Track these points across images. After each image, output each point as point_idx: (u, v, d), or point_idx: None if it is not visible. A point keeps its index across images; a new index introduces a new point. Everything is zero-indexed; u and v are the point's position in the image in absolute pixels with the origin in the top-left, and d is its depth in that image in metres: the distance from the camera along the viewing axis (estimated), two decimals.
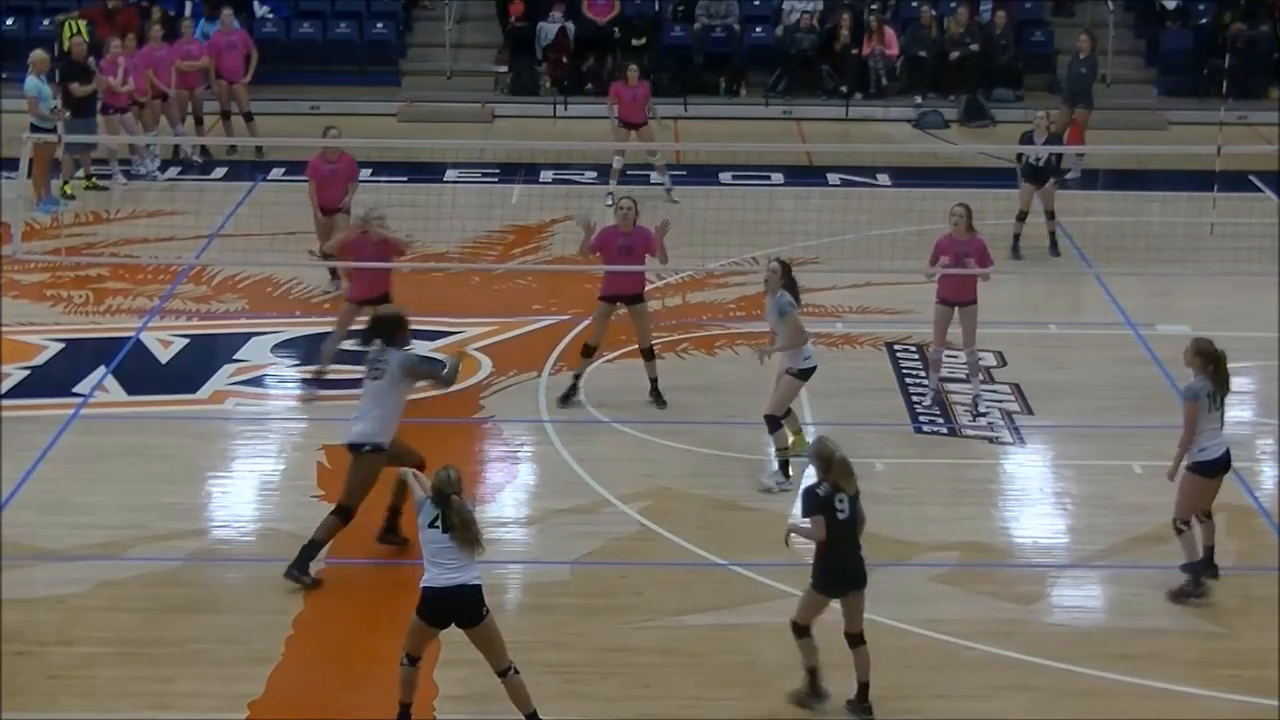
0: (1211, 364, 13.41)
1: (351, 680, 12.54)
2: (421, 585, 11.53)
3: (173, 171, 25.75)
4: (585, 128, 27.76)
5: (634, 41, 30.30)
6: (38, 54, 23.70)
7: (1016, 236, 21.83)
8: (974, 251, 17.27)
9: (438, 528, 11.45)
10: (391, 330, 14.06)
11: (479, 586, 11.48)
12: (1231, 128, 25.30)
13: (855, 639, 11.98)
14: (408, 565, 14.13)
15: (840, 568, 11.96)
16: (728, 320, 19.52)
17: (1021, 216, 21.82)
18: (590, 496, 15.22)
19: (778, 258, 15.89)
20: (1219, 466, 13.45)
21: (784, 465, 15.54)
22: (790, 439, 15.66)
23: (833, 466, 11.96)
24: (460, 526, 11.36)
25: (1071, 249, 22.22)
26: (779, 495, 15.49)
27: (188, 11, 29.20)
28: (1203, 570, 13.63)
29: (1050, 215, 21.89)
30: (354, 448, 13.88)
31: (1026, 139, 21.88)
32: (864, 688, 12.01)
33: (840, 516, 11.96)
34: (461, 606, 11.47)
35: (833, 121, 29.11)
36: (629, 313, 17.12)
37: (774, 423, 15.56)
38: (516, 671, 11.63)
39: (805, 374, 15.60)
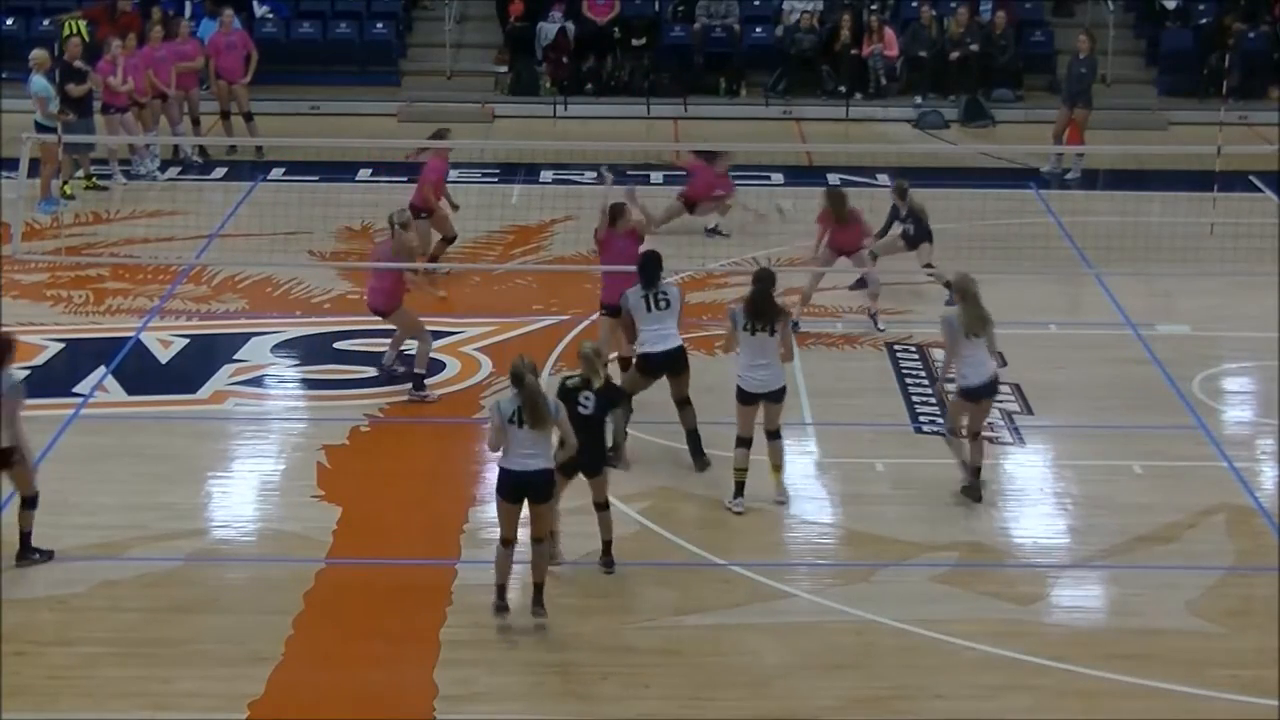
0: (963, 298, 15.07)
1: (351, 681, 12.54)
2: (500, 466, 12.96)
3: (172, 171, 25.75)
4: (585, 128, 27.79)
5: (634, 42, 30.32)
6: (39, 53, 23.66)
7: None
8: None
9: (514, 422, 12.76)
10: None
11: (550, 469, 12.95)
12: (1231, 128, 25.28)
13: (599, 507, 13.88)
14: (407, 565, 14.15)
15: (578, 453, 13.31)
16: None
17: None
18: (590, 497, 15.18)
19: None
20: (978, 392, 14.98)
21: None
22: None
23: (581, 361, 13.64)
24: (529, 406, 12.70)
25: (1072, 249, 22.22)
26: (779, 495, 15.49)
27: (187, 13, 29.23)
28: (973, 482, 15.16)
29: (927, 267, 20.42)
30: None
31: (893, 211, 20.69)
32: (607, 545, 13.91)
33: (583, 411, 13.44)
34: (532, 487, 12.90)
35: (833, 121, 29.11)
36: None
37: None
38: (553, 550, 13.37)
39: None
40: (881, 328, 19.24)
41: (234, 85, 26.76)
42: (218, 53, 26.74)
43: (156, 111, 25.73)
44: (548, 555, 13.21)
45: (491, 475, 15.74)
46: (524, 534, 13.12)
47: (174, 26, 26.82)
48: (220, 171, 25.75)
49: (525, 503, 12.99)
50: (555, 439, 13.03)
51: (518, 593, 13.34)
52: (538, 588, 13.07)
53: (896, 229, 20.66)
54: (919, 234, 20.49)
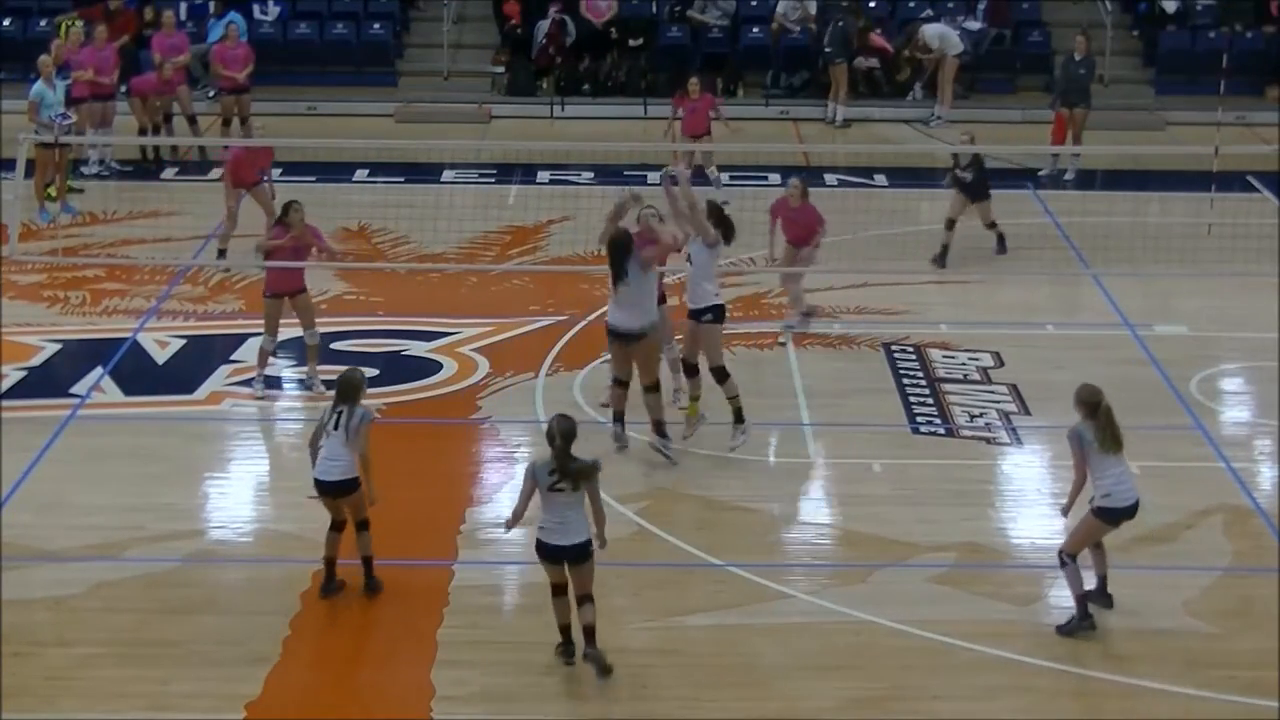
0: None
1: (349, 682, 12.54)
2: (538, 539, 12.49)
3: (170, 172, 25.81)
4: (582, 128, 27.77)
5: (631, 42, 30.30)
6: (42, 58, 23.67)
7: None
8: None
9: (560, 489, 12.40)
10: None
11: (587, 540, 12.46)
12: (1229, 128, 25.29)
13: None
14: (405, 566, 14.14)
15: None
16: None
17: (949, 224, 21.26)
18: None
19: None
20: None
21: (738, 413, 16.07)
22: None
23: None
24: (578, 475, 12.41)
25: (1069, 249, 22.23)
26: (777, 496, 15.52)
27: (183, 13, 29.27)
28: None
29: (990, 225, 21.44)
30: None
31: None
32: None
33: None
34: (569, 555, 12.44)
35: (830, 122, 29.07)
36: None
37: (721, 373, 16.09)
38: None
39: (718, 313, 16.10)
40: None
41: (241, 97, 26.74)
42: (224, 64, 26.74)
43: (97, 113, 25.47)
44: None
45: (491, 475, 15.90)
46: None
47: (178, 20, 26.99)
48: (217, 172, 25.69)
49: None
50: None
51: (509, 594, 13.33)
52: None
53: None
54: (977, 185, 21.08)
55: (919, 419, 17.12)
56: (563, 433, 12.36)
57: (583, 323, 19.04)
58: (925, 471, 16.02)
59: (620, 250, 15.57)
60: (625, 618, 13.30)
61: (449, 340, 18.89)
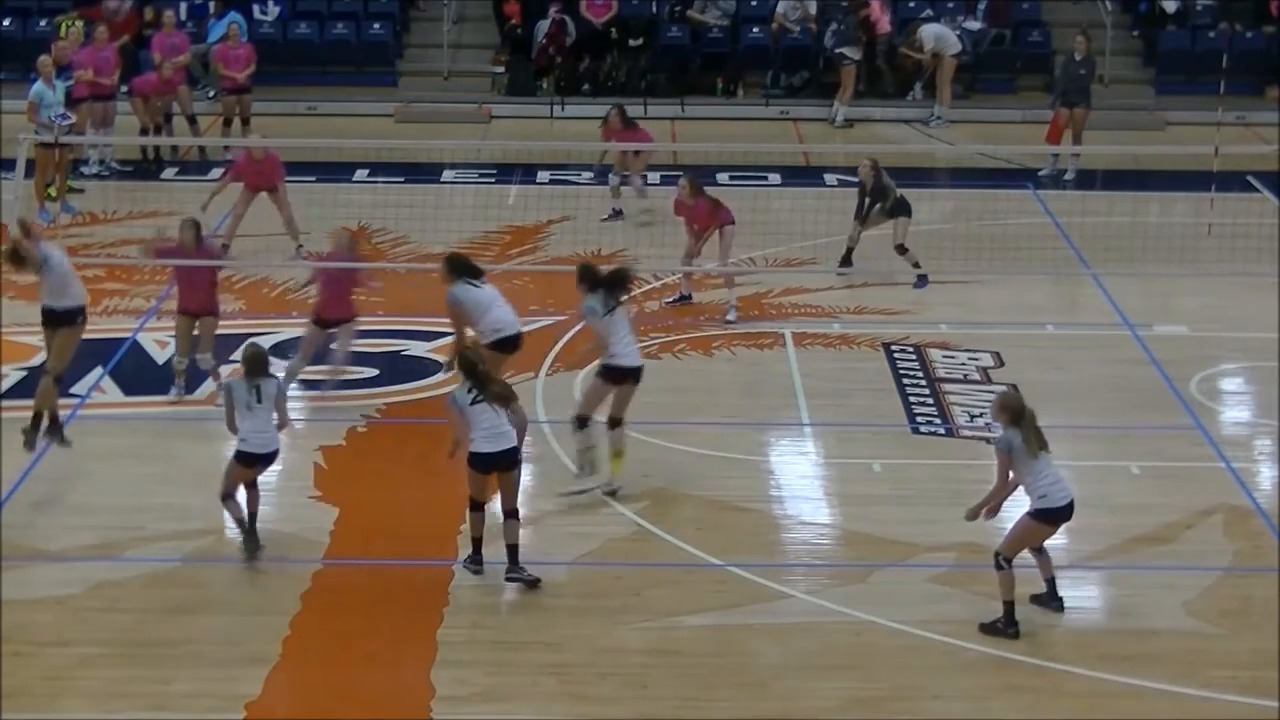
0: None
1: (349, 682, 12.53)
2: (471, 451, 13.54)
3: (170, 171, 25.81)
4: (582, 128, 27.74)
5: (631, 42, 30.29)
6: (42, 58, 23.67)
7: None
8: None
9: (481, 401, 13.51)
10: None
11: (516, 447, 13.61)
12: (1229, 128, 25.28)
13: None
14: (405, 566, 14.15)
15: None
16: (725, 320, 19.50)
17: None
18: (587, 497, 15.21)
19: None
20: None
21: (590, 465, 15.33)
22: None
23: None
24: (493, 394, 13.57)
25: (1069, 249, 22.22)
26: (777, 496, 15.53)
27: (183, 13, 29.28)
28: None
29: (899, 250, 20.69)
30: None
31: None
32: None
33: None
34: (501, 461, 13.55)
35: (830, 122, 29.07)
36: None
37: (581, 421, 15.27)
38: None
39: (611, 372, 15.19)
40: (731, 318, 19.47)
41: (242, 97, 26.74)
42: (226, 64, 26.75)
43: (98, 113, 25.44)
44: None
45: None
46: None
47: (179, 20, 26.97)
48: (217, 172, 25.70)
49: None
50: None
51: (509, 594, 13.33)
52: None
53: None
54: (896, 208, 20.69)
55: (919, 419, 17.12)
56: (477, 359, 13.92)
57: (583, 323, 19.00)
58: (925, 471, 16.02)
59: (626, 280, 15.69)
60: (625, 618, 13.30)
61: (449, 340, 18.85)
